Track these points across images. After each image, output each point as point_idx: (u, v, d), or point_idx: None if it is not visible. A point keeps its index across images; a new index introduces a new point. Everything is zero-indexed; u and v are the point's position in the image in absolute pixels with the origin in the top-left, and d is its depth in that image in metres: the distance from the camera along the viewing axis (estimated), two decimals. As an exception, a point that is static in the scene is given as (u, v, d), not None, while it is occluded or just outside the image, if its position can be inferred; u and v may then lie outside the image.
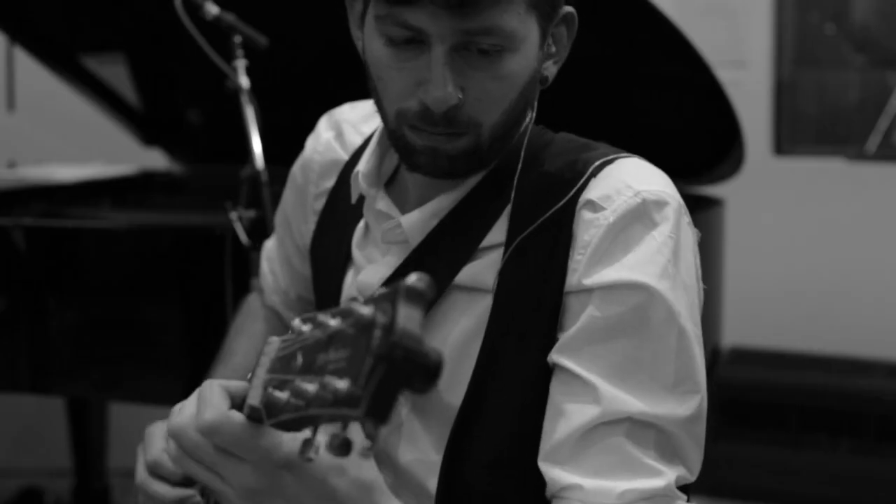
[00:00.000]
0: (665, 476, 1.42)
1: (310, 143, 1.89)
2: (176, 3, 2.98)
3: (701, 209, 3.42)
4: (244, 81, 2.97)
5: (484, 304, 1.52)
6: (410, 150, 1.50)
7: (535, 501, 1.47)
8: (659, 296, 1.44)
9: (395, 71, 1.46)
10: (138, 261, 3.25)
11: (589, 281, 1.45)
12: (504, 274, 1.50)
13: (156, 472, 1.55)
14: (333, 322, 1.08)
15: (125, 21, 4.08)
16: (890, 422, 4.61)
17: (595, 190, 1.49)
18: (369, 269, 1.65)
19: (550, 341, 1.48)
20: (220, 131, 3.63)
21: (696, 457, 1.47)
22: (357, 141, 1.80)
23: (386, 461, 1.58)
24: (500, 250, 1.52)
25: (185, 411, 1.27)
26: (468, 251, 1.54)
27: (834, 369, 4.82)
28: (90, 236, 3.27)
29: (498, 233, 1.53)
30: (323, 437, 1.10)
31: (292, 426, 1.14)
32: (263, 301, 2.07)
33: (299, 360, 1.13)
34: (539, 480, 1.47)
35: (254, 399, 1.21)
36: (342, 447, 1.04)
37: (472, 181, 1.56)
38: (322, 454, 1.17)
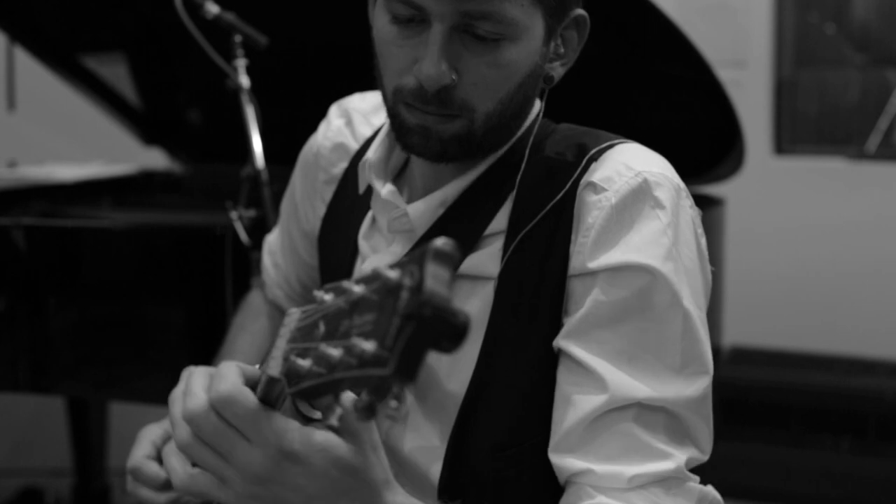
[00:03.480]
0: (675, 458, 1.43)
1: (321, 128, 1.91)
2: (176, 2, 2.98)
3: (701, 208, 3.41)
4: (244, 81, 2.97)
5: (486, 292, 1.53)
6: (404, 129, 1.53)
7: (539, 484, 1.48)
8: (663, 278, 1.45)
9: (397, 48, 1.49)
10: (138, 260, 3.25)
11: (593, 264, 1.47)
12: (507, 261, 1.51)
13: (136, 477, 1.58)
14: (358, 288, 1.07)
15: (125, 20, 4.08)
16: (891, 421, 4.61)
17: (596, 173, 1.50)
18: (374, 257, 1.67)
19: (555, 325, 1.49)
20: (220, 131, 3.63)
21: (707, 436, 1.49)
22: (366, 132, 1.82)
23: (389, 451, 1.58)
24: (502, 238, 1.54)
25: (196, 393, 1.25)
26: (472, 240, 1.55)
27: (835, 369, 4.82)
28: (90, 236, 3.26)
29: (501, 220, 1.55)
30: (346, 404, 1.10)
31: (314, 393, 1.13)
32: (265, 296, 2.07)
33: (322, 328, 1.12)
34: (543, 463, 1.48)
35: (273, 370, 1.19)
36: (367, 410, 1.04)
37: (478, 171, 1.58)
38: (332, 446, 1.18)
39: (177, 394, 1.32)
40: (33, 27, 4.12)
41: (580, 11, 1.57)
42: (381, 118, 1.78)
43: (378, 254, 1.67)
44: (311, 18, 3.56)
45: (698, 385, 1.46)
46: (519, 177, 1.55)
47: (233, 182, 3.00)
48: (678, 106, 3.39)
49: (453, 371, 1.53)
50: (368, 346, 1.00)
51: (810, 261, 5.12)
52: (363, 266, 1.68)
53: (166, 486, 1.60)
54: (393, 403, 1.03)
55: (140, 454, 1.60)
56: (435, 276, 0.98)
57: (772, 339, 4.94)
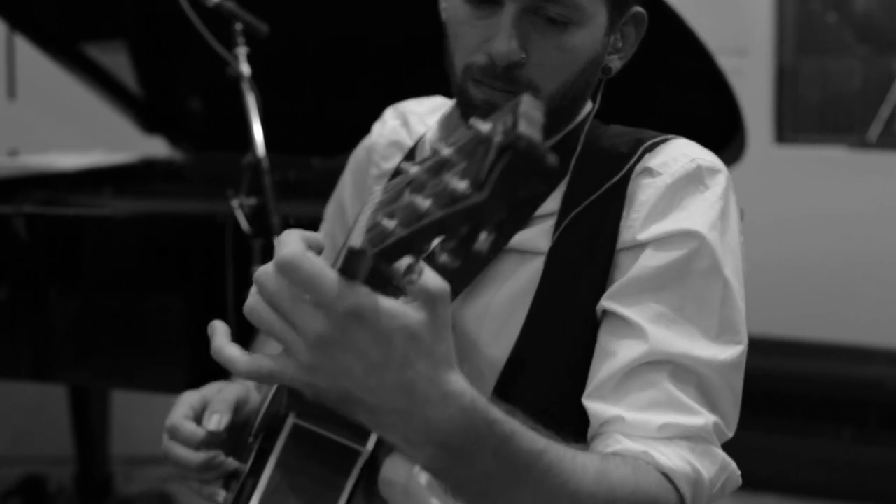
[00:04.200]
0: (704, 417, 1.48)
1: (375, 129, 1.96)
2: (177, -10, 2.98)
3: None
4: (245, 69, 2.96)
5: (535, 266, 1.59)
6: (472, 105, 1.59)
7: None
8: (707, 244, 1.52)
9: (469, 27, 1.58)
10: (139, 248, 3.25)
11: (643, 236, 1.54)
12: (559, 236, 1.58)
13: (174, 436, 1.64)
14: (447, 150, 1.07)
15: (126, 8, 4.08)
16: (892, 410, 4.62)
17: (652, 160, 1.58)
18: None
19: (600, 296, 1.54)
20: (220, 119, 3.63)
21: (733, 412, 1.54)
22: (422, 130, 1.86)
23: None
24: (553, 219, 1.60)
25: (269, 263, 1.22)
26: (523, 218, 1.62)
27: (836, 357, 4.83)
28: (91, 224, 3.27)
29: (552, 203, 1.61)
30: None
31: (399, 249, 1.10)
32: None
33: (408, 192, 1.10)
34: (582, 428, 1.51)
35: (356, 241, 1.16)
36: (455, 251, 1.04)
37: None
38: (401, 312, 1.14)
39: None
40: (34, 15, 4.12)
41: (639, 9, 1.66)
42: (435, 119, 1.83)
43: None
44: (311, 6, 3.57)
45: (732, 352, 1.52)
46: (573, 163, 1.62)
47: (234, 170, 3.00)
48: (679, 94, 3.39)
49: (499, 338, 1.58)
50: (461, 184, 1.01)
51: (811, 249, 5.12)
52: None
53: (202, 445, 1.65)
54: (483, 235, 1.03)
55: (179, 414, 1.65)
56: (528, 118, 1.00)
57: (773, 328, 4.93)
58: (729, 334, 1.52)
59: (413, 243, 1.07)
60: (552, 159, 1.00)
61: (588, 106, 1.70)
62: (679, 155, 1.57)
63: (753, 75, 5.13)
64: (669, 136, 1.63)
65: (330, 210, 2.02)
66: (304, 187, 3.66)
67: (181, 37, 3.23)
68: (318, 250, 1.20)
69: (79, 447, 4.25)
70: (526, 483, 1.28)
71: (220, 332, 1.26)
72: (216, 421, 1.64)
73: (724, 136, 3.48)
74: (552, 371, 1.55)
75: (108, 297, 3.21)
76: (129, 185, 4.14)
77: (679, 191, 1.55)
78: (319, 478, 1.47)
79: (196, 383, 3.11)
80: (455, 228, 1.03)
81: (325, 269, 1.14)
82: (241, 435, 1.71)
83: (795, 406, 4.69)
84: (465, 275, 1.60)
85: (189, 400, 1.70)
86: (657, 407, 1.47)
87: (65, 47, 4.21)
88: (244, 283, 2.88)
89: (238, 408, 1.68)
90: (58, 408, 4.30)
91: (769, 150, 5.18)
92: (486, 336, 1.59)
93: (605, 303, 1.53)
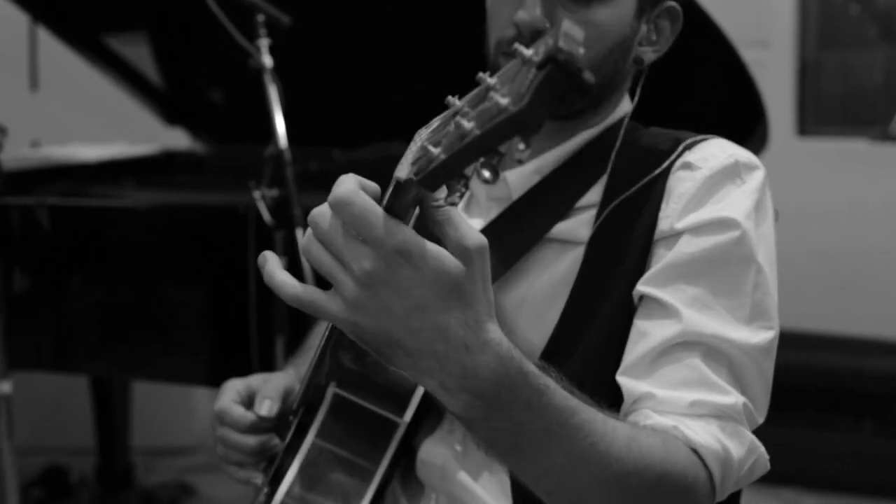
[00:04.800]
0: (735, 396, 1.50)
1: None
2: (199, -19, 2.98)
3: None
4: (267, 60, 2.97)
5: (574, 256, 1.63)
6: None
7: None
8: (742, 231, 1.55)
9: (502, 4, 1.64)
10: (161, 240, 3.26)
11: (680, 225, 1.57)
12: (598, 227, 1.62)
13: (222, 420, 1.70)
14: (492, 79, 1.09)
15: (148, 0, 4.09)
16: (914, 403, 4.61)
17: (691, 156, 1.62)
18: (471, 222, 1.71)
19: (636, 283, 1.57)
20: (242, 111, 3.63)
21: (763, 397, 1.55)
22: None
23: None
24: (594, 210, 1.64)
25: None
26: (564, 208, 1.66)
27: (857, 351, 4.81)
28: (113, 215, 3.27)
29: (593, 195, 1.65)
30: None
31: (442, 173, 1.10)
32: None
33: (452, 122, 1.11)
34: (616, 409, 1.51)
35: (401, 173, 1.16)
36: (494, 168, 1.06)
37: (573, 145, 1.70)
38: (445, 257, 1.16)
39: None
40: (56, 7, 4.13)
41: (674, 3, 1.70)
42: None
43: (474, 219, 1.74)
44: (333, -2, 3.57)
45: (763, 337, 1.53)
46: (613, 157, 1.66)
47: (255, 162, 3.00)
48: (702, 86, 3.38)
49: (538, 324, 1.62)
50: (504, 100, 1.02)
51: (833, 242, 5.10)
52: None
53: (251, 428, 1.70)
54: (521, 146, 1.04)
55: (227, 398, 1.72)
56: (567, 38, 1.02)
57: (794, 321, 4.91)
58: (761, 319, 1.54)
59: (456, 165, 1.08)
60: (589, 76, 1.02)
61: (626, 102, 1.74)
62: (718, 151, 1.61)
63: (775, 68, 5.12)
64: (709, 136, 1.66)
65: None
66: (325, 179, 3.66)
67: (202, 28, 3.23)
68: (374, 195, 1.20)
69: (100, 438, 4.27)
70: (559, 439, 1.28)
71: (271, 260, 1.25)
72: (268, 406, 1.71)
73: (747, 129, 3.48)
74: (589, 356, 1.57)
75: (129, 288, 3.22)
76: (151, 176, 4.14)
77: (716, 183, 1.58)
78: (357, 450, 1.49)
79: (217, 375, 3.13)
80: (495, 144, 1.05)
81: (375, 207, 1.15)
82: (283, 420, 1.74)
83: (816, 399, 4.68)
84: (504, 262, 1.63)
85: (235, 386, 1.76)
86: (688, 385, 1.49)
87: (86, 39, 4.22)
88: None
89: (286, 397, 1.74)
90: (79, 399, 4.32)
91: (791, 142, 5.17)
92: (524, 323, 1.62)
93: (641, 287, 1.56)
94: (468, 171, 1.08)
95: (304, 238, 1.23)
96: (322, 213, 1.19)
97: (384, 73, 3.73)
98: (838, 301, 5.07)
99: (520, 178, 1.71)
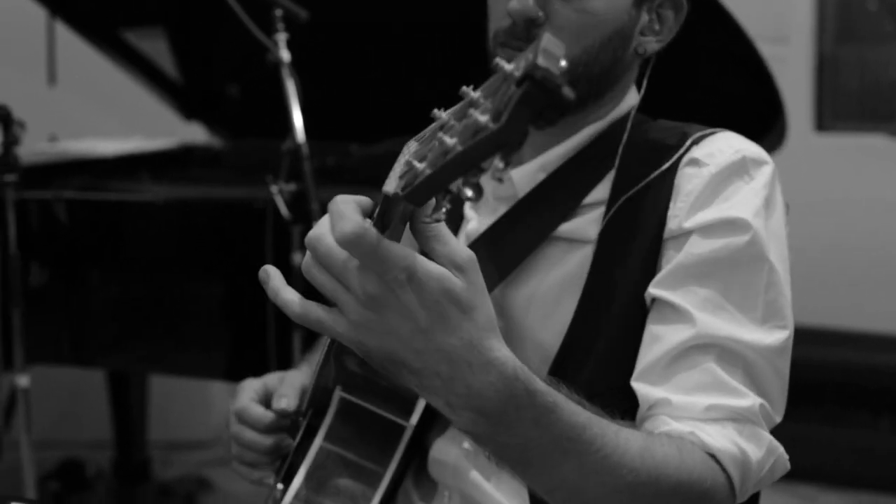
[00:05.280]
0: (751, 399, 1.49)
1: None
2: (217, -24, 2.99)
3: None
4: (285, 55, 2.97)
5: (582, 254, 1.62)
6: None
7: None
8: (752, 231, 1.53)
9: None
10: (179, 234, 3.26)
11: (688, 224, 1.55)
12: (607, 224, 1.61)
13: (242, 418, 1.71)
14: (475, 93, 1.10)
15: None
16: (931, 400, 4.59)
17: (698, 151, 1.60)
18: (478, 219, 1.76)
19: (647, 283, 1.57)
20: (259, 105, 3.63)
21: (780, 396, 1.55)
22: None
23: None
24: (602, 207, 1.63)
25: (322, 223, 1.24)
26: (571, 206, 1.65)
27: (875, 346, 4.80)
28: (131, 210, 3.28)
29: (601, 191, 1.65)
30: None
31: (427, 189, 1.11)
32: None
33: (437, 136, 1.12)
34: (631, 413, 1.52)
35: (389, 187, 1.17)
36: (477, 187, 1.06)
37: (578, 140, 1.69)
38: (446, 276, 1.17)
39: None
40: (74, 2, 4.14)
41: None
42: None
43: (481, 216, 1.75)
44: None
45: (777, 336, 1.53)
46: (620, 152, 1.65)
47: (271, 157, 3.00)
48: (720, 82, 3.37)
49: (547, 323, 1.61)
50: (483, 118, 1.02)
51: (850, 238, 5.09)
52: (467, 228, 1.76)
53: (270, 428, 1.71)
54: (500, 164, 1.03)
55: (246, 397, 1.73)
56: (547, 54, 1.01)
57: (810, 317, 4.91)
58: (775, 319, 1.53)
59: (440, 181, 1.08)
60: (568, 91, 1.00)
61: (632, 95, 1.72)
62: (725, 146, 1.60)
63: (793, 63, 5.11)
64: (717, 129, 1.64)
65: None
66: (342, 173, 3.67)
67: (220, 23, 3.24)
68: (367, 210, 1.22)
69: (117, 432, 4.27)
70: (567, 454, 1.29)
71: (274, 276, 1.26)
72: (286, 402, 1.71)
73: (765, 124, 3.47)
74: (603, 358, 1.57)
75: (147, 282, 3.23)
76: (168, 171, 4.15)
77: (724, 180, 1.57)
78: (365, 454, 1.49)
79: (234, 369, 3.14)
80: (477, 161, 1.04)
81: (373, 231, 1.16)
82: (293, 421, 1.75)
83: (833, 395, 4.66)
84: (511, 261, 1.63)
85: (253, 386, 1.77)
86: (704, 389, 1.48)
87: (104, 34, 4.23)
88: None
89: (302, 394, 1.74)
90: (97, 392, 4.33)
91: (809, 138, 5.15)
92: (533, 321, 1.62)
93: (653, 290, 1.55)
94: (453, 186, 1.08)
95: (305, 260, 1.24)
96: (320, 235, 1.20)
97: (402, 68, 3.73)
98: (856, 297, 5.06)
99: (525, 175, 1.70)
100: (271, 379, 1.79)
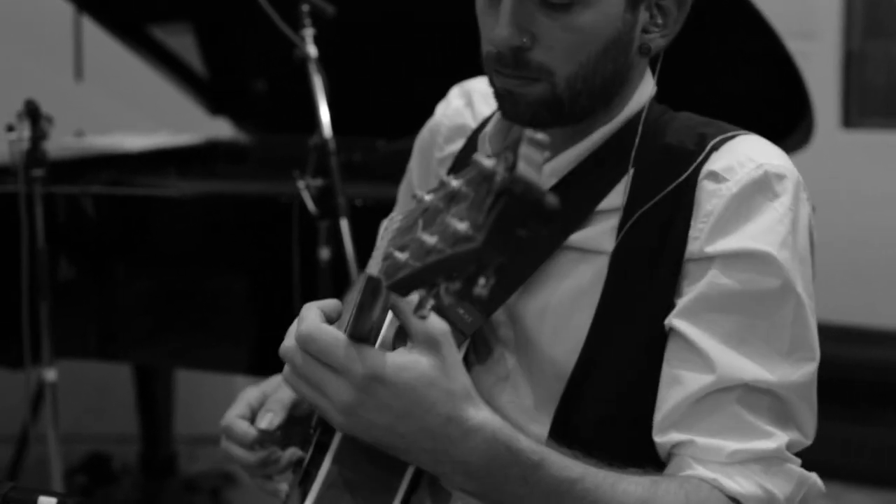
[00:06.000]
0: (777, 438, 1.46)
1: (440, 108, 1.94)
2: (244, -28, 2.99)
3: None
4: (312, 50, 2.97)
5: (596, 266, 1.56)
6: (496, 95, 1.59)
7: (644, 459, 1.50)
8: (778, 265, 1.48)
9: (487, 16, 1.56)
10: (205, 229, 3.27)
11: (711, 249, 1.49)
12: (623, 238, 1.54)
13: (228, 435, 1.69)
14: (456, 182, 1.10)
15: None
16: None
17: (717, 162, 1.53)
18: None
19: (667, 306, 1.51)
20: (285, 101, 3.64)
21: (811, 421, 1.51)
22: (486, 111, 1.84)
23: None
24: (617, 216, 1.56)
25: (289, 333, 1.35)
26: (584, 213, 1.58)
27: (902, 344, 4.78)
28: (158, 205, 3.29)
29: (615, 198, 1.58)
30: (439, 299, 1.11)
31: (409, 284, 1.15)
32: None
33: (420, 223, 1.14)
34: (648, 439, 1.51)
35: (372, 269, 1.24)
36: (460, 293, 1.07)
37: (590, 143, 1.61)
38: (414, 361, 1.25)
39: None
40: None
41: None
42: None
43: None
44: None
45: (805, 370, 1.49)
46: (633, 155, 1.58)
47: (298, 152, 3.00)
48: (748, 79, 3.36)
49: (560, 338, 1.56)
50: (462, 225, 1.03)
51: (879, 234, 5.07)
52: None
53: (256, 443, 1.69)
54: (482, 280, 1.05)
55: (233, 413, 1.70)
56: (527, 159, 1.00)
57: (838, 315, 4.89)
58: (801, 351, 1.50)
59: (421, 279, 1.12)
60: (551, 200, 1.01)
61: (645, 88, 1.64)
62: (745, 159, 1.52)
63: (820, 59, 5.08)
64: (737, 131, 1.58)
65: (403, 191, 2.02)
66: (368, 169, 3.67)
67: (247, 18, 3.24)
68: (335, 313, 1.34)
69: (143, 426, 4.29)
70: None
71: (270, 414, 1.54)
72: (268, 420, 1.68)
73: (792, 121, 3.46)
74: (621, 380, 1.54)
75: (173, 277, 3.24)
76: (194, 166, 4.16)
77: (746, 200, 1.50)
78: (374, 476, 1.49)
79: (260, 364, 3.14)
80: (458, 269, 1.06)
81: (338, 339, 1.27)
82: (305, 426, 1.72)
83: (862, 393, 4.65)
84: (522, 270, 1.59)
85: (247, 397, 1.74)
86: (728, 432, 1.46)
87: (131, 29, 4.24)
88: (309, 264, 2.88)
89: (297, 404, 1.71)
90: (123, 387, 4.34)
91: (836, 134, 5.13)
92: (546, 334, 1.58)
93: (674, 321, 1.50)
94: (438, 283, 1.11)
95: (285, 371, 1.35)
96: (293, 350, 1.32)
97: (429, 63, 3.73)
98: (884, 293, 5.04)
99: None
100: (269, 385, 1.76)
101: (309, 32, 2.99)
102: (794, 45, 3.27)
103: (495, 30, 1.51)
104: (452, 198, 1.10)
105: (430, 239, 1.07)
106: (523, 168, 0.99)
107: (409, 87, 3.80)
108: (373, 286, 1.23)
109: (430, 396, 1.27)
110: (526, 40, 1.51)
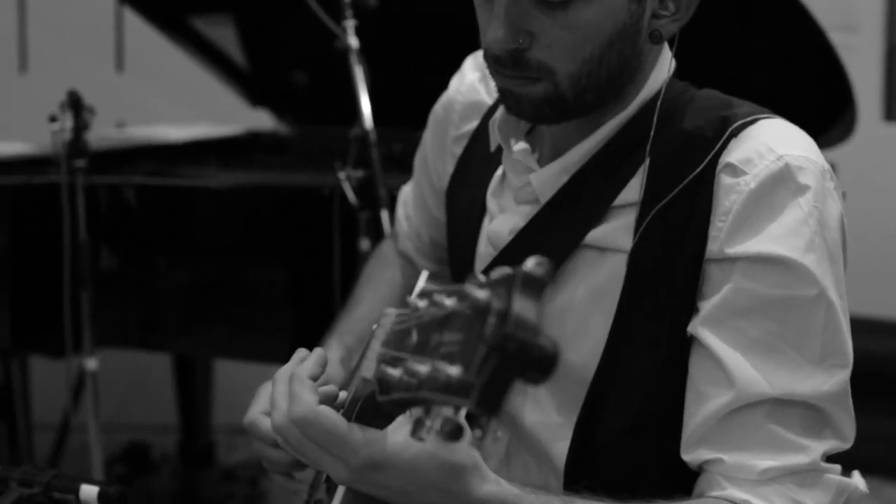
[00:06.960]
0: (810, 451, 1.40)
1: (454, 83, 1.89)
2: (285, -37, 2.99)
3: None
4: (353, 42, 2.97)
5: (614, 264, 1.50)
6: (499, 93, 1.54)
7: (669, 468, 1.47)
8: (806, 271, 1.40)
9: (485, 14, 1.49)
10: (246, 220, 3.28)
11: (732, 250, 1.42)
12: (641, 236, 1.47)
13: (251, 432, 1.56)
14: (449, 302, 1.05)
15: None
16: None
17: (735, 152, 1.45)
18: (501, 218, 1.64)
19: (689, 308, 1.45)
20: (326, 92, 3.64)
21: (849, 424, 1.45)
22: None
23: (509, 422, 1.59)
24: (635, 210, 1.49)
25: (279, 406, 1.35)
26: (600, 210, 1.52)
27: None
28: (199, 195, 3.30)
29: (632, 191, 1.50)
30: (436, 420, 1.05)
31: (405, 405, 1.14)
32: (397, 247, 2.05)
33: (414, 337, 1.12)
34: (673, 448, 1.46)
35: (367, 371, 1.24)
36: (454, 433, 1.02)
37: (603, 134, 1.53)
38: (409, 446, 1.25)
39: (280, 372, 1.43)
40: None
41: None
42: None
43: (505, 214, 1.64)
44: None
45: (838, 378, 1.42)
46: (649, 146, 1.50)
47: (339, 143, 3.01)
48: (790, 71, 3.35)
49: (578, 341, 1.51)
50: (454, 371, 0.98)
51: (919, 229, 5.04)
52: (490, 227, 1.65)
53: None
54: (476, 433, 1.07)
55: (256, 409, 1.56)
56: (522, 306, 0.95)
57: (876, 307, 4.87)
58: (834, 357, 1.42)
59: (416, 403, 1.10)
60: (551, 349, 0.95)
61: (660, 71, 1.55)
62: (765, 149, 1.43)
63: (863, 52, 5.05)
64: (758, 114, 1.49)
65: (418, 161, 1.98)
66: (408, 160, 3.66)
67: (288, 10, 3.25)
68: (330, 397, 1.38)
69: (182, 416, 4.32)
70: None
71: (260, 398, 1.53)
72: None
73: (835, 114, 3.44)
74: (643, 385, 1.48)
75: (214, 267, 3.25)
76: (235, 157, 4.17)
77: (766, 197, 1.42)
78: None
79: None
80: (451, 406, 1.03)
81: (337, 425, 1.28)
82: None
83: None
84: None
85: (268, 392, 1.62)
86: (758, 448, 1.40)
87: (172, 20, 4.25)
88: (350, 254, 2.89)
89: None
90: (163, 377, 4.36)
91: (878, 128, 5.10)
92: (567, 338, 1.51)
93: (697, 329, 1.44)
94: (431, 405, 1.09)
95: (280, 440, 1.36)
96: (287, 428, 1.32)
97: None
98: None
99: (545, 179, 1.57)
100: None
101: (350, 23, 2.99)
102: (837, 39, 3.25)
103: (490, 31, 1.44)
104: (446, 319, 1.05)
105: (423, 368, 1.03)
106: (517, 318, 0.94)
107: (449, 79, 3.80)
108: (370, 388, 1.24)
109: (430, 475, 1.28)
110: (522, 41, 1.43)
